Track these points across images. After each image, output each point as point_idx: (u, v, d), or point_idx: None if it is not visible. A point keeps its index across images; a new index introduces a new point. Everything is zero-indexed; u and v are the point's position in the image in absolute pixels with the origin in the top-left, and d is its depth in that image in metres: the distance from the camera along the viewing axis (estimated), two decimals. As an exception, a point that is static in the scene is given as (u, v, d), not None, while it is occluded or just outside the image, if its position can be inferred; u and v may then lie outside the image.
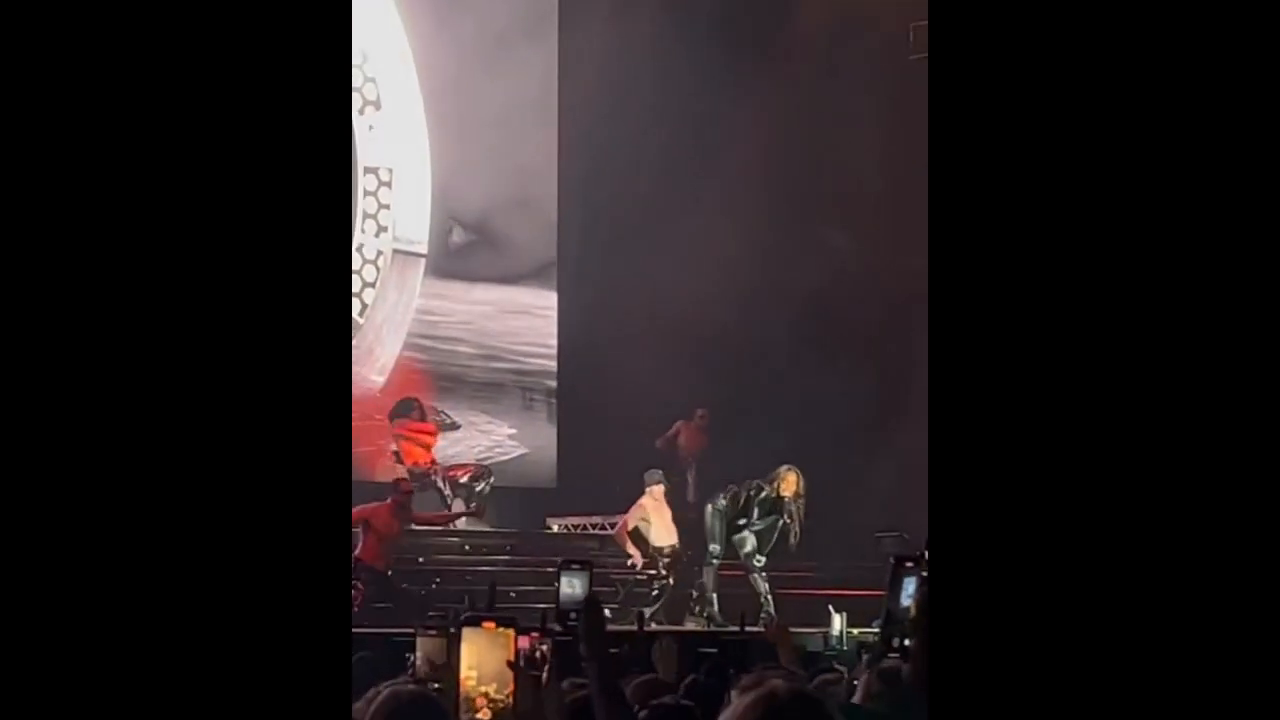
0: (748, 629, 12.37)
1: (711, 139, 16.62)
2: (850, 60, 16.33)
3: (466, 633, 3.92)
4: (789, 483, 13.87)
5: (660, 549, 14.21)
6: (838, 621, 11.16)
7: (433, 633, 4.92)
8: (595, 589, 4.03)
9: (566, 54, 17.42)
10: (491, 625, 3.92)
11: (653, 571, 14.18)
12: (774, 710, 2.80)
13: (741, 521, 13.94)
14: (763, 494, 13.96)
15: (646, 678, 5.58)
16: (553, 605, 4.00)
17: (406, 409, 15.39)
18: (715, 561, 13.98)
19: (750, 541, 13.98)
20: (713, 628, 13.37)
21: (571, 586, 3.97)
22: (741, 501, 14.01)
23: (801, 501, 13.88)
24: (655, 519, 14.27)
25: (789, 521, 13.87)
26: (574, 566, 4.01)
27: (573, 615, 3.92)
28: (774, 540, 13.96)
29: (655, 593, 14.06)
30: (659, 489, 14.34)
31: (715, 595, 13.95)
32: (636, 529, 14.27)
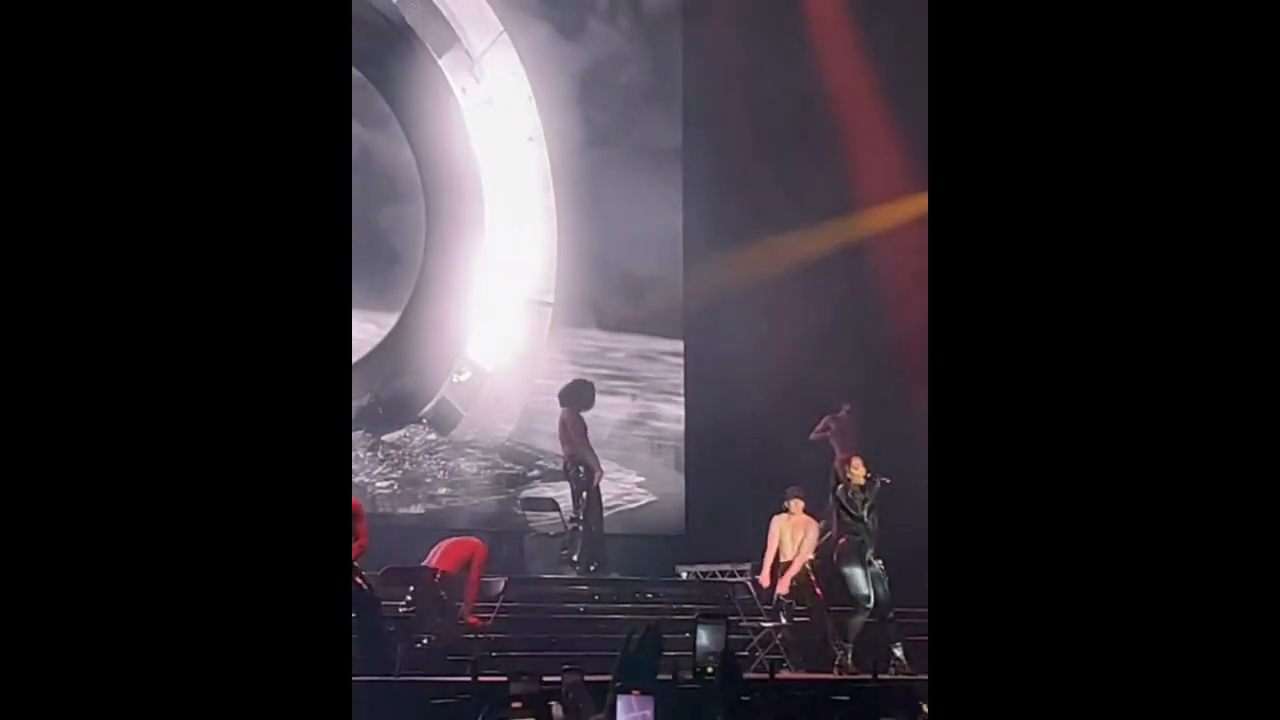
0: (880, 677, 12.15)
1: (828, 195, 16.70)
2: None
3: None
4: (855, 470, 13.54)
5: (787, 565, 13.96)
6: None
7: (525, 679, 5.10)
8: (731, 639, 4.10)
9: (690, 108, 17.55)
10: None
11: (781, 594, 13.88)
12: None
13: (871, 564, 13.63)
14: (837, 489, 13.61)
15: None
16: (684, 653, 4.06)
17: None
18: (867, 607, 13.55)
19: (881, 587, 13.65)
20: (844, 675, 13.12)
21: (708, 639, 4.05)
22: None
23: (867, 481, 13.49)
24: (785, 537, 13.98)
25: (866, 508, 13.48)
26: (710, 620, 4.10)
27: (710, 668, 4.00)
28: (872, 529, 13.55)
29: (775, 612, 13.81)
30: (795, 503, 14.02)
31: (851, 643, 13.60)
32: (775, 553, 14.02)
